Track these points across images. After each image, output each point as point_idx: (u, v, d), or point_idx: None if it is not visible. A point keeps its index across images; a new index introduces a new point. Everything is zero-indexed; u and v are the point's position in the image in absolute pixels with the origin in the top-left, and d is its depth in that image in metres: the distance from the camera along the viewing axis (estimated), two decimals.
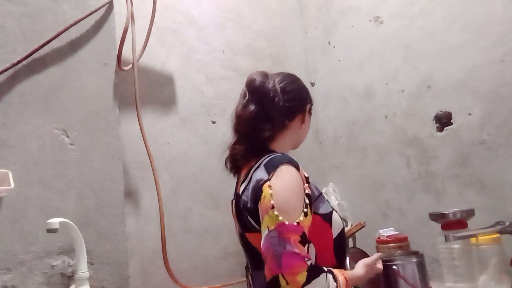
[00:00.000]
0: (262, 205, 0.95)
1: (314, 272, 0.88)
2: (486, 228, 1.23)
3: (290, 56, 2.14)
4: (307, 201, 0.96)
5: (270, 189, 0.95)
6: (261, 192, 0.96)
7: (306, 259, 0.88)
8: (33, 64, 1.13)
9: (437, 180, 1.66)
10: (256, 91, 1.10)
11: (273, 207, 0.92)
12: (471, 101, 1.57)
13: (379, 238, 1.54)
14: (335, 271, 0.94)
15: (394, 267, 1.11)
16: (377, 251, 1.51)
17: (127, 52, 1.36)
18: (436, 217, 1.37)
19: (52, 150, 1.13)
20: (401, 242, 1.49)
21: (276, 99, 1.09)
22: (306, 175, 1.04)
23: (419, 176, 1.72)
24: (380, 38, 1.87)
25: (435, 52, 1.68)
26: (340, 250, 1.07)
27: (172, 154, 1.56)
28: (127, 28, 1.33)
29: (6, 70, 1.06)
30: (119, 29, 1.33)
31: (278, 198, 0.93)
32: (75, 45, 1.22)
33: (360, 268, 1.04)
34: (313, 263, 0.93)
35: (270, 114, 1.09)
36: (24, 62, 1.10)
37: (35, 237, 1.06)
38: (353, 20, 2.00)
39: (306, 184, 0.99)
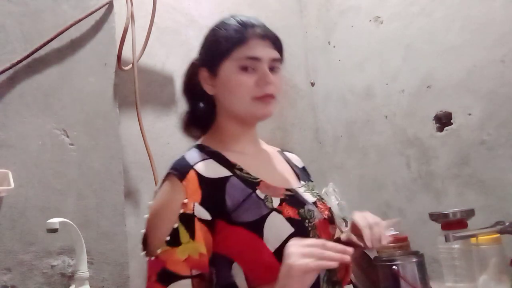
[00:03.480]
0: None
1: None
2: (486, 228, 1.23)
3: (290, 56, 2.13)
4: (175, 225, 0.73)
5: (148, 213, 0.81)
6: None
7: None
8: (33, 64, 1.13)
9: (437, 180, 1.66)
10: None
11: (143, 237, 0.80)
12: (471, 101, 1.57)
13: None
14: None
15: (394, 267, 1.10)
16: (377, 251, 1.51)
17: (127, 52, 1.36)
18: (436, 217, 1.37)
19: (52, 150, 1.13)
20: (401, 242, 1.48)
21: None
22: (220, 176, 0.80)
23: (419, 176, 1.71)
24: (380, 38, 1.87)
25: (435, 52, 1.67)
26: None
27: (172, 154, 1.54)
28: (127, 28, 1.33)
29: (6, 70, 1.06)
30: (119, 29, 1.33)
31: (146, 225, 0.80)
32: (75, 45, 1.22)
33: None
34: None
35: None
36: (24, 62, 1.10)
37: (35, 237, 1.06)
38: (353, 20, 2.00)
39: (186, 200, 0.75)
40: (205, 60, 0.88)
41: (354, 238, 0.85)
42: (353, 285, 1.15)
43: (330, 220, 0.90)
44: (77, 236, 1.05)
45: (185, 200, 0.75)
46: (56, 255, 1.09)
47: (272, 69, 0.84)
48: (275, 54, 0.85)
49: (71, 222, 1.04)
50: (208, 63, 0.87)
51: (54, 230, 0.99)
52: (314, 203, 0.88)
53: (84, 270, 1.06)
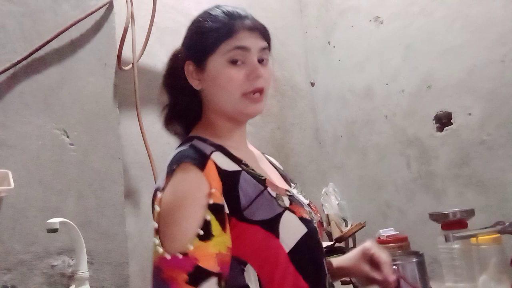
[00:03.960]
0: (154, 228, 0.72)
1: None
2: (486, 228, 1.23)
3: (290, 56, 2.14)
4: (207, 217, 0.67)
5: (158, 206, 0.71)
6: (153, 209, 0.73)
7: None
8: (33, 64, 1.13)
9: (437, 180, 1.66)
10: None
11: (156, 233, 0.69)
12: (471, 101, 1.57)
13: (379, 238, 1.55)
14: None
15: (394, 267, 1.11)
16: None
17: (127, 52, 1.36)
18: (436, 217, 1.37)
19: (52, 150, 1.13)
20: (401, 242, 1.49)
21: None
22: (235, 169, 0.76)
23: (419, 176, 1.72)
24: (380, 38, 1.87)
25: (435, 52, 1.68)
26: (307, 263, 0.75)
27: None
28: (127, 28, 1.33)
29: (6, 70, 1.06)
30: (119, 29, 1.33)
31: (162, 219, 0.70)
32: (75, 45, 1.22)
33: None
34: None
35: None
36: (24, 62, 1.10)
37: (35, 237, 1.06)
38: (353, 20, 2.00)
39: (214, 190, 0.70)
40: (191, 54, 0.83)
41: (366, 269, 0.88)
42: (353, 285, 1.15)
43: (321, 223, 0.89)
44: (77, 236, 1.05)
45: (213, 190, 0.69)
46: (56, 255, 1.09)
47: (261, 61, 0.81)
48: (262, 43, 0.81)
49: (71, 222, 1.04)
50: (194, 57, 0.82)
51: (54, 230, 0.99)
52: (308, 205, 0.86)
53: (84, 270, 1.06)
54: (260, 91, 0.80)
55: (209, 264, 0.65)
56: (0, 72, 1.05)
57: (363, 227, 1.68)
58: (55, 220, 0.99)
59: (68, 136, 1.17)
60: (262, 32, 0.83)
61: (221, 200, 0.70)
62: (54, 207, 1.10)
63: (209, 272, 0.65)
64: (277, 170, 0.96)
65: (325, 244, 1.62)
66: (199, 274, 0.64)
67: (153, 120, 1.52)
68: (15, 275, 1.01)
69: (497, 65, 1.51)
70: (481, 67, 1.55)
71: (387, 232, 1.55)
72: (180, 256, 0.65)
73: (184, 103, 0.88)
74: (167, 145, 1.55)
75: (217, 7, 0.84)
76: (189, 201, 0.69)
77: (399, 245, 1.47)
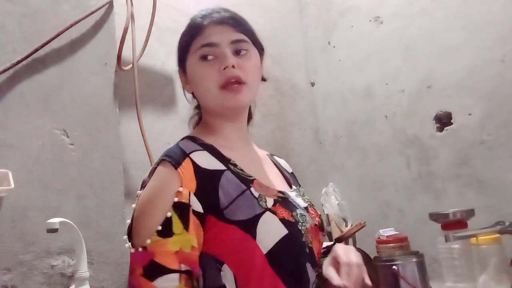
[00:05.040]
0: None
1: None
2: (486, 228, 1.23)
3: (290, 56, 2.14)
4: (168, 214, 0.69)
5: (136, 203, 0.75)
6: None
7: None
8: (33, 64, 1.13)
9: (437, 180, 1.66)
10: None
11: (128, 228, 0.74)
12: (471, 101, 1.57)
13: (379, 238, 1.54)
14: None
15: (394, 267, 1.11)
16: (377, 251, 1.51)
17: (127, 52, 1.36)
18: (436, 217, 1.37)
19: (52, 150, 1.13)
20: (401, 242, 1.49)
21: None
22: (215, 168, 0.76)
23: (419, 176, 1.71)
24: (380, 38, 1.87)
25: (435, 52, 1.68)
26: (287, 266, 0.74)
27: None
28: (127, 28, 1.33)
29: (6, 70, 1.06)
30: (119, 29, 1.33)
31: (134, 215, 0.73)
32: (75, 45, 1.22)
33: None
34: None
35: None
36: (24, 62, 1.10)
37: (35, 237, 1.06)
38: (353, 20, 2.00)
39: (182, 188, 0.70)
40: (178, 60, 0.89)
41: (331, 273, 0.76)
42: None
43: (320, 227, 0.87)
44: (77, 236, 1.05)
45: (180, 188, 0.70)
46: (56, 255, 1.09)
47: (238, 52, 0.81)
48: (236, 36, 0.82)
49: (71, 222, 1.04)
50: (179, 62, 0.88)
51: (54, 230, 0.99)
52: (306, 208, 0.85)
53: (84, 270, 1.06)
54: (236, 81, 0.79)
55: (166, 260, 0.67)
56: (0, 72, 1.05)
57: (363, 227, 1.68)
58: (55, 220, 0.99)
59: (68, 136, 1.17)
60: (234, 24, 0.84)
61: (187, 199, 0.70)
62: (54, 207, 1.10)
63: (165, 268, 0.67)
64: (282, 172, 0.95)
65: (325, 244, 1.62)
66: (153, 269, 0.66)
67: (153, 120, 1.53)
68: (15, 275, 1.01)
69: (497, 65, 1.51)
70: (481, 67, 1.55)
71: (387, 232, 1.55)
72: (140, 250, 0.68)
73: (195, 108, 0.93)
74: (167, 145, 1.54)
75: (200, 10, 0.89)
76: (156, 198, 0.71)
77: (399, 245, 1.47)
